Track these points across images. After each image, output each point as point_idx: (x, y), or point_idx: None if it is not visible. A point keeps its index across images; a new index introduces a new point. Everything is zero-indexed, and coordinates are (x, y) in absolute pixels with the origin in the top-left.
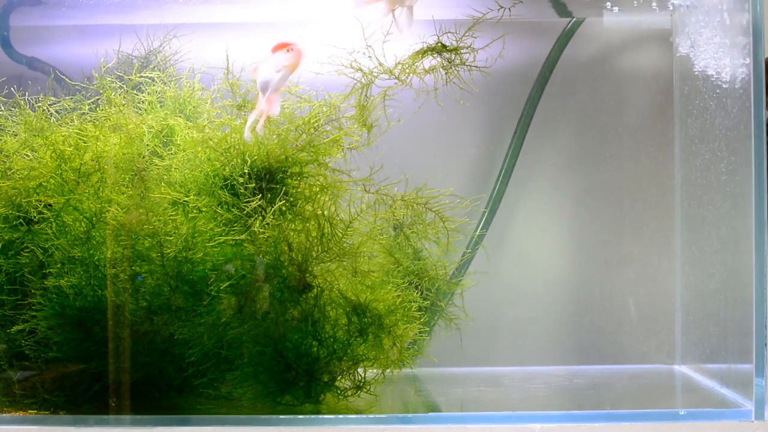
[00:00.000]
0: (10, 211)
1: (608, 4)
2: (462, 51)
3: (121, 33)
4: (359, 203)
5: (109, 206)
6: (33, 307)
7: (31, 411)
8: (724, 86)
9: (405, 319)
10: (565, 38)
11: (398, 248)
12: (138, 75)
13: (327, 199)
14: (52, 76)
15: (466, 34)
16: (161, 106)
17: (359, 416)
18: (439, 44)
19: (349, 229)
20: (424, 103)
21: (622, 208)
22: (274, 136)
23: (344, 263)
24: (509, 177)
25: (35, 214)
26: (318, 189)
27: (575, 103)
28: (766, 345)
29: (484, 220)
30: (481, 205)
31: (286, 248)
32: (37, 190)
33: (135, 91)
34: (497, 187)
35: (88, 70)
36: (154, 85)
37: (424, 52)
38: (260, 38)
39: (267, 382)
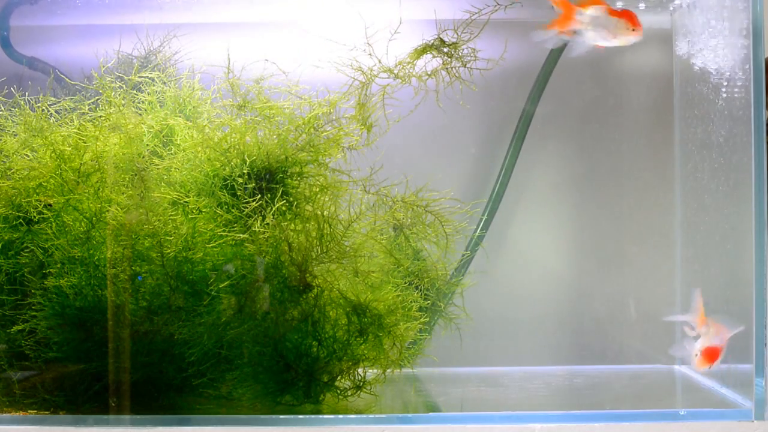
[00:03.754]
0: (10, 211)
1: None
2: (461, 47)
3: (121, 33)
4: (359, 204)
5: (109, 206)
6: (33, 307)
7: (31, 411)
8: (724, 86)
9: (405, 319)
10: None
11: (398, 249)
12: (138, 75)
13: (327, 199)
14: (52, 76)
15: (465, 30)
16: (161, 106)
17: (359, 416)
18: (438, 40)
19: (349, 230)
20: (423, 100)
21: (622, 207)
22: (274, 136)
23: (344, 263)
24: (509, 177)
25: (35, 214)
26: (318, 189)
27: (575, 103)
28: (766, 345)
29: (484, 220)
30: (480, 209)
31: (286, 248)
32: (37, 190)
33: (135, 91)
34: (497, 187)
35: (88, 70)
36: (154, 85)
37: (423, 50)
38: (260, 38)
39: (267, 382)
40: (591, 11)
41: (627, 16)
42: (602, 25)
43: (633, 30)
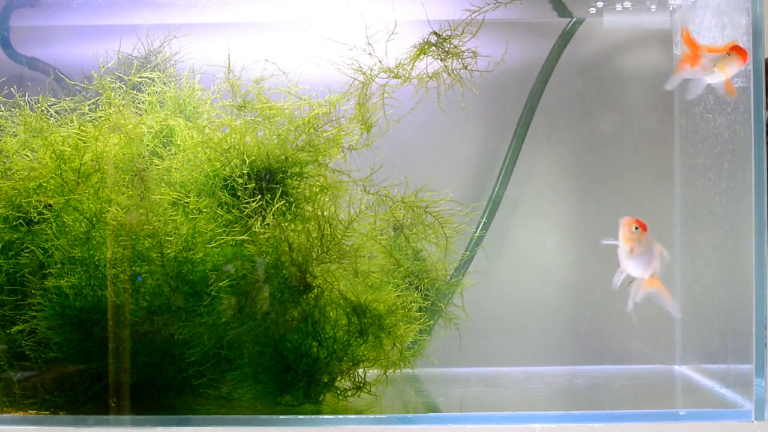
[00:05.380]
0: (10, 212)
1: (601, 3)
2: (458, 42)
3: (121, 33)
4: (359, 204)
5: (109, 206)
6: (33, 308)
7: (31, 411)
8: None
9: (405, 319)
10: (565, 38)
11: (398, 249)
12: (138, 75)
13: (327, 199)
14: (52, 77)
15: (464, 29)
16: (161, 107)
17: (359, 416)
18: (433, 34)
19: (349, 230)
20: (423, 98)
21: (622, 207)
22: (274, 137)
23: (344, 264)
24: (509, 177)
25: (35, 215)
26: (318, 189)
27: (575, 103)
28: (766, 345)
29: (484, 220)
30: (480, 210)
31: (286, 248)
32: (37, 191)
33: (135, 92)
34: (497, 188)
35: (88, 70)
36: (154, 86)
37: (421, 48)
38: (260, 38)
39: (267, 383)
40: (713, 55)
41: (735, 48)
42: (716, 63)
43: (729, 54)
